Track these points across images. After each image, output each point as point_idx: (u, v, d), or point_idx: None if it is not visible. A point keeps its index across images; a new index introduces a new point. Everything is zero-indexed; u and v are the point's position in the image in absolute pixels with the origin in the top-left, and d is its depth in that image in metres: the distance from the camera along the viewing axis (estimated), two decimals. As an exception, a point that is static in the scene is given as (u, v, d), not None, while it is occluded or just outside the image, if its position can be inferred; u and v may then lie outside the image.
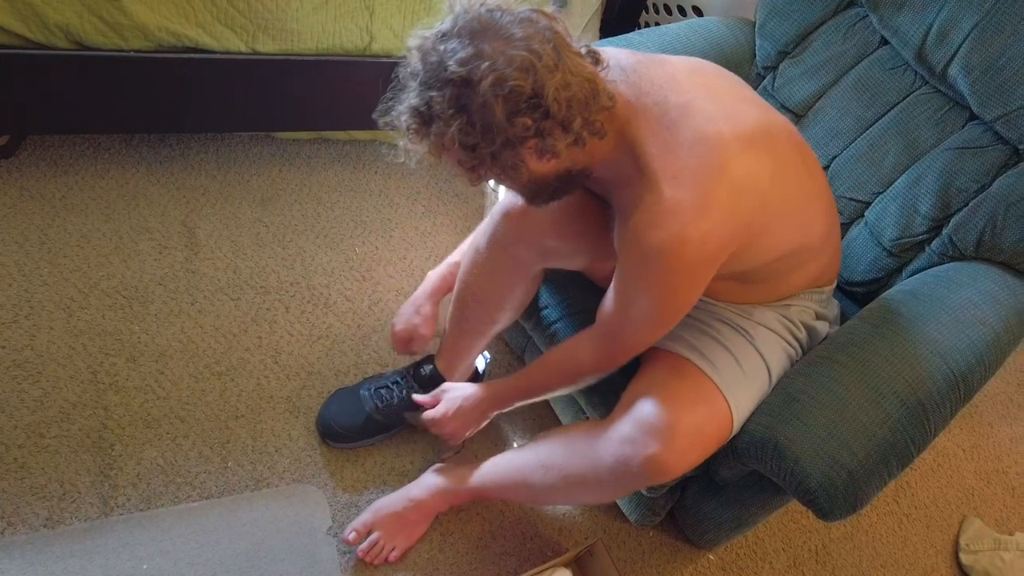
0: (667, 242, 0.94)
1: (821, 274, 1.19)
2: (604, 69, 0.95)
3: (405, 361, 1.56)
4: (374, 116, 0.97)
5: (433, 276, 1.42)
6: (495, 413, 1.32)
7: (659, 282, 1.00)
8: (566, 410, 1.51)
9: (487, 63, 0.85)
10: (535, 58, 0.86)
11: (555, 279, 1.33)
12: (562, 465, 1.18)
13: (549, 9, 0.93)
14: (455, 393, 1.32)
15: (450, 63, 0.86)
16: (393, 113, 0.94)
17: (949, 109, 1.35)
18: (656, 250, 0.95)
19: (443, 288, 1.41)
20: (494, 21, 0.88)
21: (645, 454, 1.05)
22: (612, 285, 1.08)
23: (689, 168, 0.93)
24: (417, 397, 1.37)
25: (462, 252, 1.39)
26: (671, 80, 0.99)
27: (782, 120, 1.09)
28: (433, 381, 1.44)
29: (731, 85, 1.07)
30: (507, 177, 0.96)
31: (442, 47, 0.87)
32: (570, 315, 1.34)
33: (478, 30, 0.87)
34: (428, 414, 1.33)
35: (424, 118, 0.90)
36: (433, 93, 0.88)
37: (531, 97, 0.86)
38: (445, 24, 0.89)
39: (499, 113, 0.86)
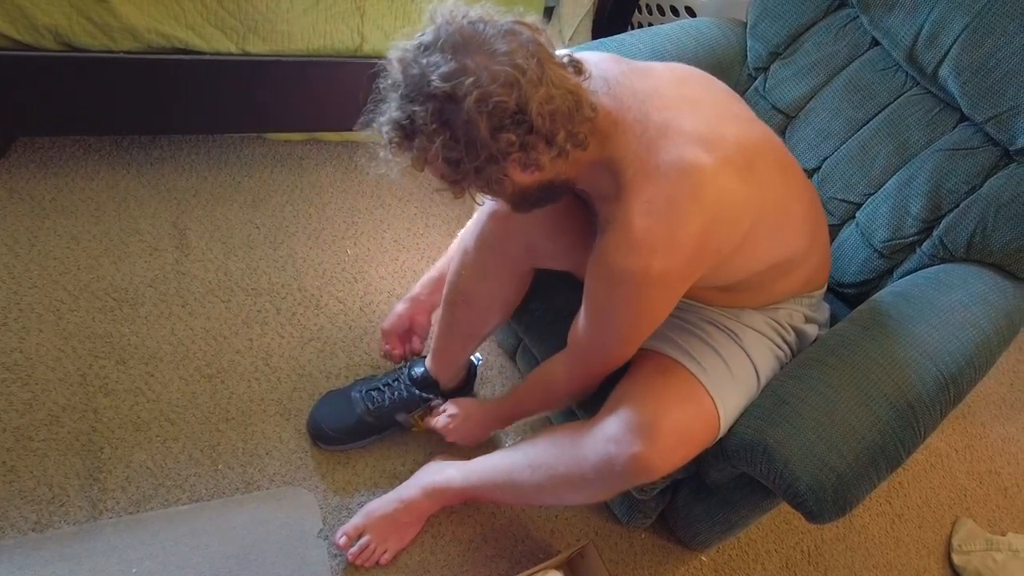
0: (632, 271, 0.95)
1: (808, 281, 1.20)
2: (586, 79, 0.95)
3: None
4: (355, 128, 0.96)
5: (419, 285, 1.45)
6: (496, 429, 1.38)
7: (624, 305, 1.01)
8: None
9: (471, 79, 0.84)
10: (519, 73, 0.85)
11: (544, 280, 1.33)
12: (549, 464, 1.18)
13: (530, 19, 0.92)
14: (454, 410, 1.40)
15: (433, 78, 0.85)
16: (374, 125, 0.93)
17: (940, 110, 1.35)
18: (621, 277, 0.96)
19: (429, 296, 1.44)
20: (477, 34, 0.87)
21: (629, 452, 1.06)
22: (583, 303, 1.09)
23: (663, 194, 0.93)
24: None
25: (450, 257, 1.40)
26: (654, 93, 0.98)
27: (763, 133, 1.09)
28: (425, 382, 1.44)
29: (715, 97, 1.07)
30: (490, 190, 0.96)
31: (424, 60, 0.86)
32: (559, 317, 1.33)
33: (461, 44, 0.86)
34: (433, 423, 1.42)
35: (406, 132, 0.89)
36: (416, 107, 0.87)
37: (515, 113, 0.86)
38: (427, 35, 0.88)
39: (483, 129, 0.85)
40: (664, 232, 0.93)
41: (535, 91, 0.86)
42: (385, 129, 0.91)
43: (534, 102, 0.86)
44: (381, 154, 0.95)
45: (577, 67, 0.94)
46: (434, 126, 0.86)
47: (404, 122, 0.89)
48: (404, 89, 0.88)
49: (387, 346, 1.48)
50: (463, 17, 0.88)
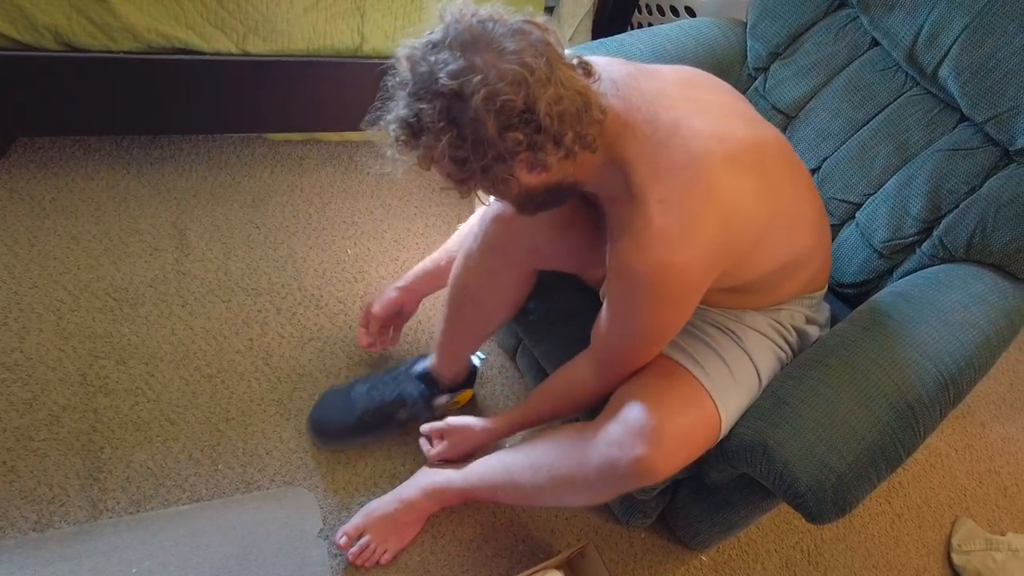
0: (653, 269, 0.94)
1: (811, 281, 1.19)
2: (596, 81, 0.94)
3: (397, 362, 1.56)
4: (361, 126, 0.96)
5: (413, 272, 1.47)
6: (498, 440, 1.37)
7: (647, 307, 1.00)
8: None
9: (479, 77, 0.83)
10: (527, 72, 0.84)
11: (543, 283, 1.33)
12: (550, 466, 1.18)
13: (540, 19, 0.91)
14: (456, 436, 1.36)
15: (441, 75, 0.84)
16: (381, 123, 0.93)
17: (940, 110, 1.35)
18: (642, 277, 0.96)
19: (421, 286, 1.46)
20: (486, 32, 0.86)
21: (632, 456, 1.05)
22: (604, 306, 1.09)
23: (676, 193, 0.93)
24: (424, 428, 1.41)
25: (447, 250, 1.40)
26: (661, 94, 0.98)
27: (771, 133, 1.09)
28: (427, 379, 1.45)
29: (721, 98, 1.07)
30: (497, 190, 0.95)
31: (432, 58, 0.86)
32: (559, 317, 1.34)
33: (469, 42, 0.85)
34: (429, 454, 1.40)
35: (413, 130, 0.89)
36: (423, 105, 0.86)
37: (523, 112, 0.85)
38: (435, 34, 0.88)
39: (490, 128, 0.85)
40: (680, 230, 0.93)
41: (543, 91, 0.85)
42: (392, 127, 0.91)
43: (542, 101, 0.85)
44: (388, 153, 0.94)
45: (587, 69, 0.94)
46: (441, 124, 0.86)
47: (411, 120, 0.88)
48: (412, 87, 0.88)
49: (365, 328, 1.49)
50: (472, 15, 0.87)
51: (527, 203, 1.02)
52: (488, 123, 0.85)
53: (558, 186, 0.98)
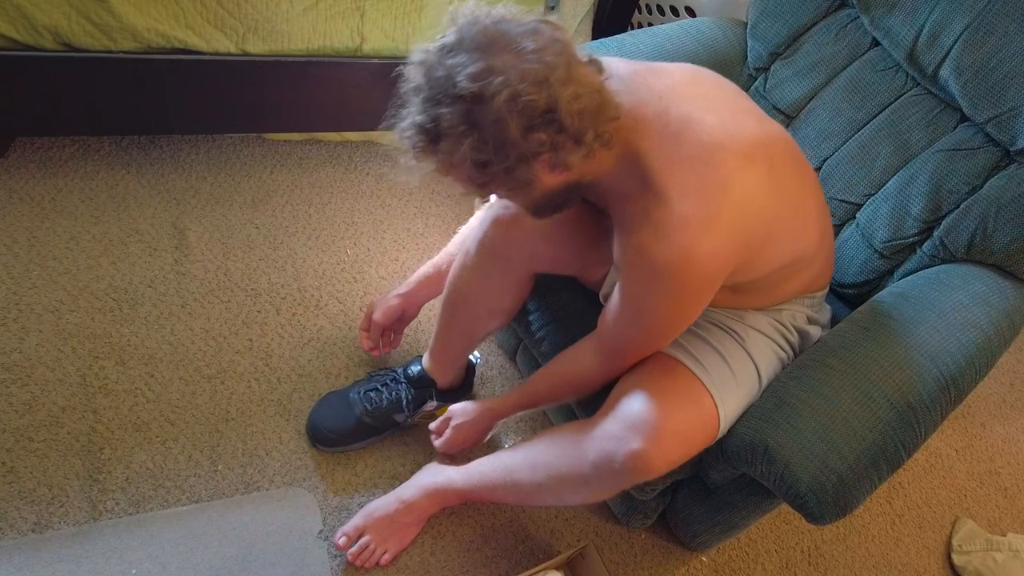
0: (674, 259, 0.94)
1: (814, 280, 1.19)
2: (607, 79, 0.94)
3: (395, 364, 1.56)
4: (379, 129, 0.95)
5: (414, 277, 1.47)
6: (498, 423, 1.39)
7: (664, 298, 1.00)
8: (558, 412, 1.51)
9: (500, 78, 0.82)
10: (548, 71, 0.84)
11: (543, 284, 1.33)
12: (549, 463, 1.18)
13: (552, 18, 0.91)
14: (458, 420, 1.38)
15: (460, 78, 0.83)
16: (395, 131, 0.91)
17: (940, 111, 1.35)
18: (663, 267, 0.95)
19: (422, 291, 1.46)
20: (503, 33, 0.85)
21: (628, 450, 1.05)
22: (615, 297, 1.08)
23: (693, 184, 0.93)
24: (431, 426, 1.44)
25: (448, 253, 1.40)
26: (670, 90, 0.98)
27: (778, 130, 1.09)
28: (422, 381, 1.44)
29: (728, 95, 1.07)
30: (518, 192, 0.95)
31: (449, 61, 0.84)
32: (557, 320, 1.34)
33: (487, 43, 0.84)
34: (436, 444, 1.42)
35: (431, 136, 0.87)
36: (442, 110, 0.85)
37: (545, 112, 0.84)
38: (449, 37, 0.86)
39: (513, 129, 0.84)
40: (701, 220, 0.92)
41: (564, 90, 0.85)
42: (408, 134, 0.89)
43: (563, 100, 0.85)
44: (402, 161, 0.92)
45: (598, 66, 0.94)
46: (462, 128, 0.84)
47: (429, 126, 0.86)
48: (428, 92, 0.86)
49: (367, 334, 1.50)
50: (487, 16, 0.86)
51: (546, 205, 1.01)
52: (511, 124, 0.83)
53: (576, 185, 0.98)
